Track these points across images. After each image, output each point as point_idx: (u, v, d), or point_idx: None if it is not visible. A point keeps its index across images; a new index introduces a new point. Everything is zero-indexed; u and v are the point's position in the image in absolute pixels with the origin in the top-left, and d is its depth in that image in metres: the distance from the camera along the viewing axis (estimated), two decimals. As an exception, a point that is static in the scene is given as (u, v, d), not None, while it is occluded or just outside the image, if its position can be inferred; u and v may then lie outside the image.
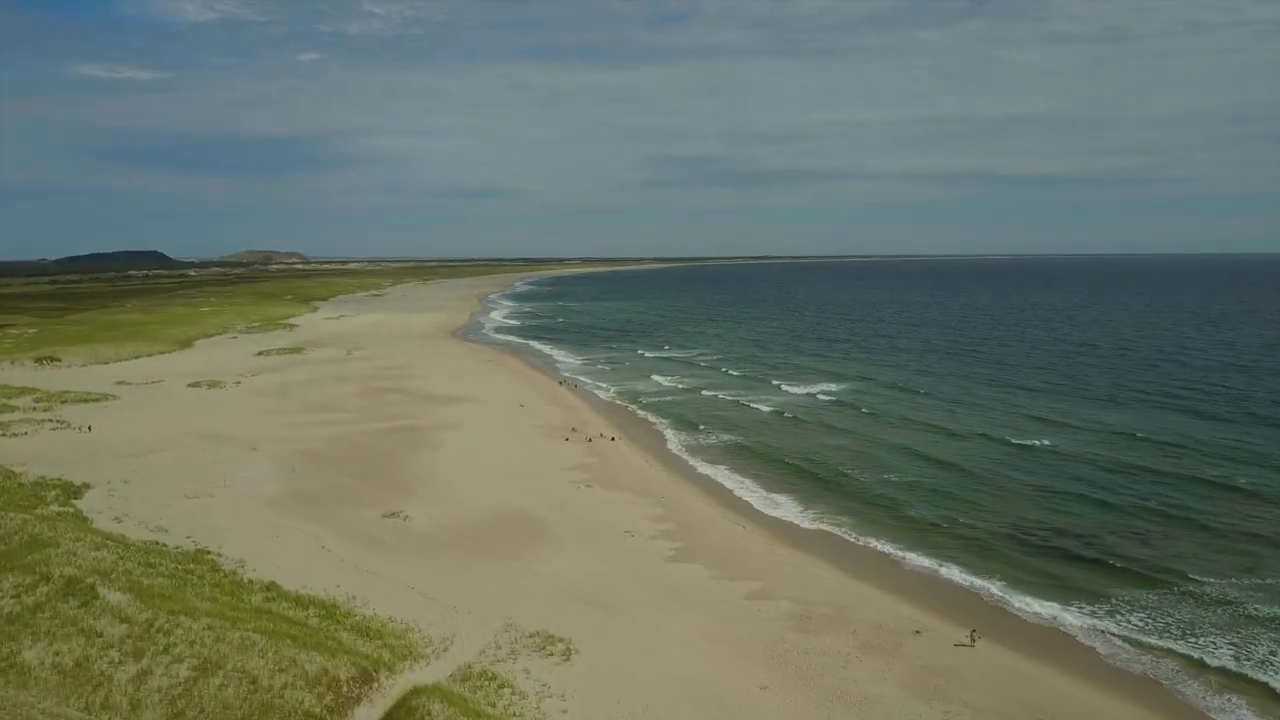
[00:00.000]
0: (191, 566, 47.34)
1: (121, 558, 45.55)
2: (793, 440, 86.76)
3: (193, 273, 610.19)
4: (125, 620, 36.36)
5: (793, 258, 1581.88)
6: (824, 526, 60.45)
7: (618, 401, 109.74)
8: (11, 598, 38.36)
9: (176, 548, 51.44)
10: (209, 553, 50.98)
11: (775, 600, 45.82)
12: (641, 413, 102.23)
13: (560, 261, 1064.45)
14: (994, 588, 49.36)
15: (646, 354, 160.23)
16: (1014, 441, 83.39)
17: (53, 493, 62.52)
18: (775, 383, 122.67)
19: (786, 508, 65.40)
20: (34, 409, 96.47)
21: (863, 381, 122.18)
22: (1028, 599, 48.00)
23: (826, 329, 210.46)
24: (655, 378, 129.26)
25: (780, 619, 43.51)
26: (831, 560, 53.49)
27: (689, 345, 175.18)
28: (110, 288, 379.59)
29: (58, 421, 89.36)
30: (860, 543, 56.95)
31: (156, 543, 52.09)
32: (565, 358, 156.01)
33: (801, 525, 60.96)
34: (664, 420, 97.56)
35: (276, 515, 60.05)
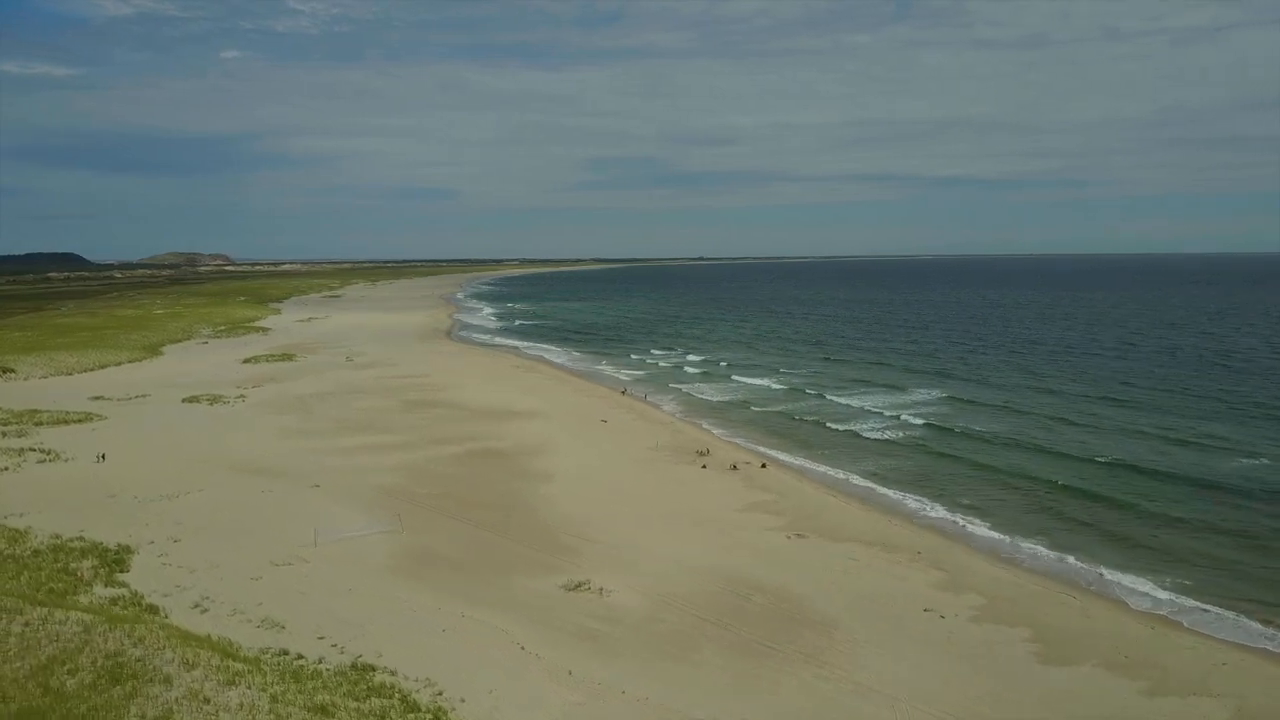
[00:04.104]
0: (374, 702, 30.22)
1: (276, 700, 28.38)
2: (916, 464, 71.12)
3: (118, 275, 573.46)
4: None
5: (732, 259, 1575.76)
6: (1171, 599, 44.29)
7: (680, 416, 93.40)
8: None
9: (319, 660, 34.17)
10: (373, 669, 33.80)
11: (1283, 733, 30.65)
12: (719, 430, 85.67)
13: (499, 263, 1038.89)
14: None
15: (644, 359, 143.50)
16: (1204, 479, 64.68)
17: (86, 562, 44.30)
18: (811, 392, 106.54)
19: (1045, 559, 50.30)
20: (4, 434, 76.77)
21: (904, 393, 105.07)
22: None
23: (808, 329, 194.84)
24: (672, 385, 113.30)
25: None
26: (1246, 651, 38.29)
27: (678, 348, 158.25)
28: (34, 290, 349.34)
29: (43, 451, 70.00)
30: (1247, 625, 40.83)
31: (286, 652, 34.74)
32: (573, 363, 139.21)
33: (1142, 597, 44.72)
34: (746, 437, 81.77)
35: (415, 592, 42.99)
